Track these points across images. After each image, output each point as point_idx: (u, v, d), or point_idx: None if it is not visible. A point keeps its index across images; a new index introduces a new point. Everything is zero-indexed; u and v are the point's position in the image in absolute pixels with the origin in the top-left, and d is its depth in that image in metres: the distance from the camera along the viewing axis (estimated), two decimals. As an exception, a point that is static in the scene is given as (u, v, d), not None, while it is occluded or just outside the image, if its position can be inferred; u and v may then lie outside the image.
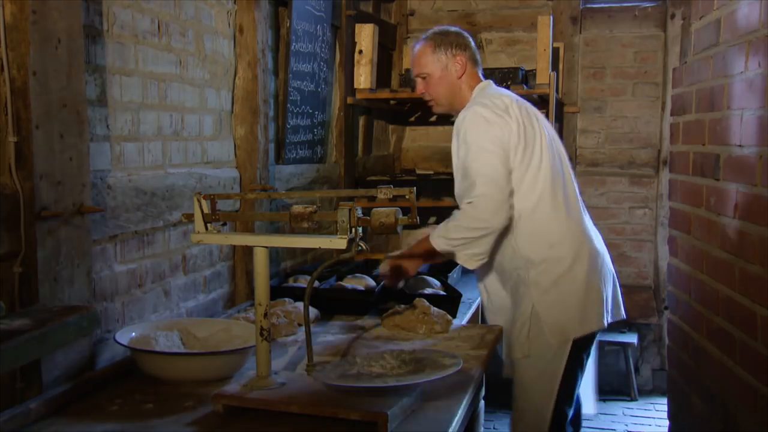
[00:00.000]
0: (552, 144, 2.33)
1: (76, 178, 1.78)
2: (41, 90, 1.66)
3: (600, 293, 2.28)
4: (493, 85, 2.43)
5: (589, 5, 4.73)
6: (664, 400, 3.23)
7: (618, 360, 4.67)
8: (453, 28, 2.44)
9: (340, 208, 1.58)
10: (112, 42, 2.00)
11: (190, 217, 1.76)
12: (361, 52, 3.69)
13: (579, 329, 2.24)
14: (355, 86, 3.71)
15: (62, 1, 1.72)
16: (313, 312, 2.38)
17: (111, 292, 2.02)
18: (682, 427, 2.85)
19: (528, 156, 2.24)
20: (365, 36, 3.69)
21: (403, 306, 2.37)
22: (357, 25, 3.73)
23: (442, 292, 2.68)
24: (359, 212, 1.57)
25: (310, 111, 3.33)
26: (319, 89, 3.41)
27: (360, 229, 1.58)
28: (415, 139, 4.88)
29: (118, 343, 1.84)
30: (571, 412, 2.34)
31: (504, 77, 3.92)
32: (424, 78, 2.39)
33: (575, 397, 2.36)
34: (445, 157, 2.17)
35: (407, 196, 1.58)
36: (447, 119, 4.24)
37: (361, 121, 4.10)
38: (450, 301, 2.51)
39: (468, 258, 2.25)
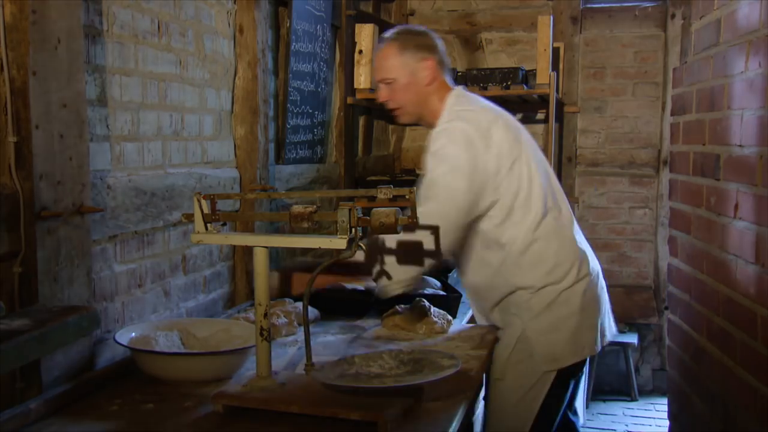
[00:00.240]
0: (537, 159, 2.14)
1: (75, 178, 1.78)
2: (41, 90, 1.66)
3: (594, 318, 2.10)
4: (467, 93, 2.20)
5: (589, 5, 4.73)
6: (665, 401, 3.23)
7: (618, 360, 4.67)
8: (420, 28, 2.22)
9: (340, 208, 1.58)
10: (112, 42, 2.00)
11: (190, 217, 1.75)
12: (361, 52, 3.69)
13: (571, 356, 2.05)
14: (355, 86, 3.71)
15: (62, 1, 1.72)
16: (312, 312, 2.38)
17: (111, 292, 2.01)
18: (683, 428, 2.85)
19: (515, 181, 2.03)
20: (365, 36, 3.69)
21: (403, 306, 2.37)
22: (357, 25, 3.73)
23: (442, 292, 2.68)
24: (359, 212, 1.57)
25: (310, 111, 3.33)
26: (319, 89, 3.41)
27: (360, 229, 1.58)
28: (415, 139, 4.88)
29: (118, 343, 1.84)
30: None
31: (504, 77, 3.93)
32: (388, 84, 2.13)
33: (555, 426, 2.15)
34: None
35: (407, 196, 1.58)
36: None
37: (361, 121, 4.10)
38: (450, 301, 2.51)
39: (391, 286, 2.04)
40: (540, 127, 4.78)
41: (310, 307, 2.14)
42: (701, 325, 2.54)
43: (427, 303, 2.33)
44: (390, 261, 2.01)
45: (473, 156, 1.98)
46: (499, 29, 4.81)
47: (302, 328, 1.74)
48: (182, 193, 2.27)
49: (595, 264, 2.18)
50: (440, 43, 2.18)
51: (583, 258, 2.12)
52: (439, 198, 1.98)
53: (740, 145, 2.17)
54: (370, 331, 2.32)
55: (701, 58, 2.60)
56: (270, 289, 2.03)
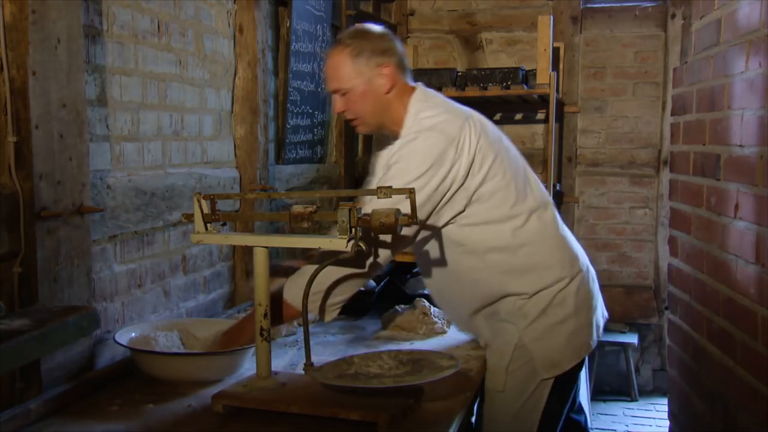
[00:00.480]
0: (512, 158, 1.99)
1: (75, 178, 1.78)
2: (41, 90, 1.66)
3: (590, 315, 2.00)
4: (429, 94, 2.00)
5: (589, 5, 4.73)
6: (665, 401, 3.22)
7: (618, 360, 4.67)
8: (374, 28, 1.98)
9: (340, 208, 1.57)
10: (111, 42, 2.00)
11: (189, 218, 1.75)
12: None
13: (571, 359, 1.94)
14: (356, 86, 3.70)
15: (62, 1, 1.72)
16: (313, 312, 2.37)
17: (111, 292, 2.01)
18: (683, 428, 2.84)
19: (491, 188, 1.89)
20: (365, 36, 3.69)
21: (403, 306, 2.37)
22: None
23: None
24: (359, 212, 1.57)
25: (310, 111, 3.33)
26: (319, 89, 3.40)
27: (360, 229, 1.58)
28: (416, 139, 4.87)
29: (118, 343, 1.84)
30: None
31: (504, 77, 3.93)
32: (343, 94, 1.92)
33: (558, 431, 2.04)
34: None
35: (407, 196, 1.58)
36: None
37: (362, 121, 4.10)
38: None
39: (328, 309, 1.88)
40: (540, 127, 4.78)
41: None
42: (701, 325, 2.54)
43: (427, 303, 2.33)
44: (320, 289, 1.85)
45: (438, 169, 1.81)
46: (499, 29, 4.81)
47: (302, 329, 1.74)
48: (182, 193, 2.27)
49: (584, 258, 2.06)
50: (398, 44, 1.98)
51: (572, 255, 2.01)
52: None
53: (740, 145, 2.16)
54: (369, 331, 2.32)
55: (701, 58, 2.60)
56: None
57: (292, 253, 3.16)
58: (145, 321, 2.12)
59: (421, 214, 1.80)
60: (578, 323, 1.96)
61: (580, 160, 4.77)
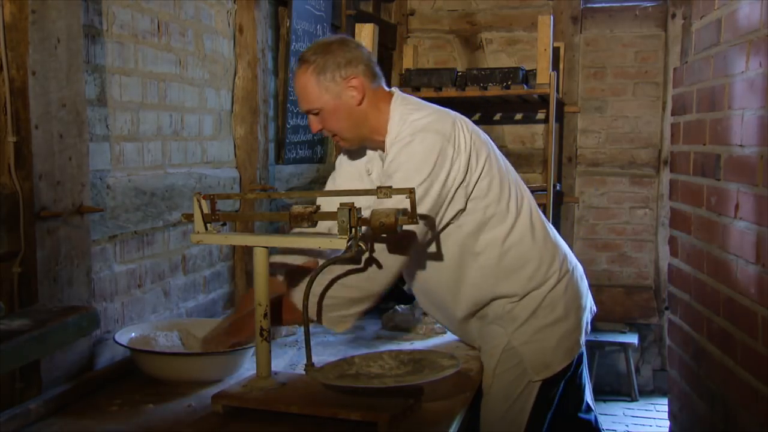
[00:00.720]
0: (498, 157, 1.96)
1: (75, 178, 1.78)
2: (40, 90, 1.66)
3: (579, 315, 1.97)
4: (408, 97, 1.97)
5: (589, 5, 4.73)
6: (665, 401, 3.22)
7: (618, 360, 4.67)
8: (335, 39, 1.92)
9: (340, 208, 1.57)
10: (111, 42, 1.99)
11: (189, 218, 1.75)
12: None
13: (561, 361, 1.92)
14: (356, 86, 3.70)
15: (62, 1, 1.72)
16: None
17: (110, 293, 2.01)
18: (683, 428, 2.84)
19: (485, 186, 1.86)
20: (365, 36, 3.69)
21: (403, 306, 2.37)
22: (357, 25, 3.73)
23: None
24: (359, 212, 1.57)
25: (310, 111, 3.32)
26: (320, 89, 3.40)
27: (360, 229, 1.58)
28: (416, 139, 4.87)
29: (118, 343, 1.84)
30: None
31: (504, 77, 3.93)
32: (316, 114, 1.88)
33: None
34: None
35: (407, 197, 1.58)
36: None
37: (362, 120, 4.10)
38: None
39: (337, 321, 1.78)
40: (540, 127, 4.78)
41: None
42: (702, 325, 2.54)
43: (427, 303, 2.33)
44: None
45: (441, 169, 1.78)
46: (500, 29, 4.81)
47: (302, 329, 1.74)
48: (182, 193, 2.27)
49: (571, 257, 2.04)
50: (363, 50, 1.92)
51: (561, 254, 1.98)
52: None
53: (741, 145, 2.16)
54: (369, 331, 2.32)
55: (702, 58, 2.60)
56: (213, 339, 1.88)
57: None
58: (145, 321, 2.12)
59: (432, 216, 1.79)
60: (568, 325, 1.94)
61: (580, 160, 4.77)
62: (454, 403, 1.68)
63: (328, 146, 3.65)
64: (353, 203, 1.57)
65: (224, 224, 1.76)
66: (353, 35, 3.71)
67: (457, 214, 1.86)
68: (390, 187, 1.58)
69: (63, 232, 1.74)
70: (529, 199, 1.98)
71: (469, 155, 1.83)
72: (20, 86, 1.63)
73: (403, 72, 4.24)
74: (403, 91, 2.01)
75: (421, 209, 1.75)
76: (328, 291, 1.76)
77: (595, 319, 2.17)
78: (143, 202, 2.09)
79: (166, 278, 2.28)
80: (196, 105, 2.44)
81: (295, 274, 1.97)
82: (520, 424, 1.91)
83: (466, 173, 1.83)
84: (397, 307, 2.38)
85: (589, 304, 2.05)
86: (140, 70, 2.12)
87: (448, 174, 1.79)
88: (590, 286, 2.12)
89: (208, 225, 1.72)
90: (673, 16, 4.53)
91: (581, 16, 4.68)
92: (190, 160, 2.40)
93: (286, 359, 2.02)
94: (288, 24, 3.01)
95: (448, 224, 1.87)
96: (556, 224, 4.20)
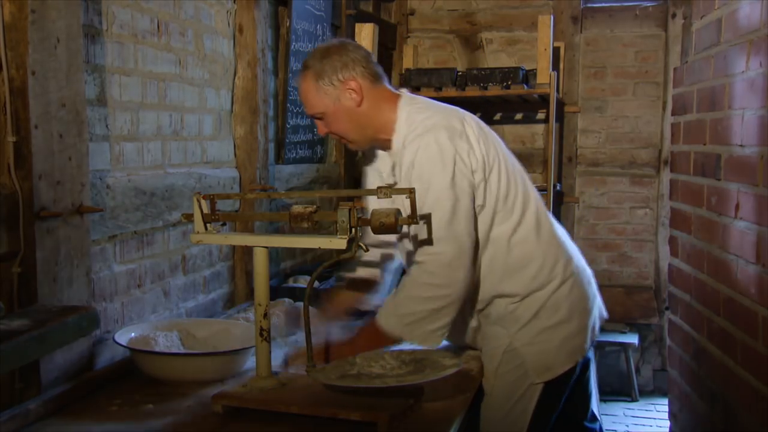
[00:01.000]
0: (506, 156, 1.95)
1: (75, 178, 1.78)
2: (40, 90, 1.66)
3: (584, 319, 1.96)
4: (417, 98, 1.98)
5: (589, 5, 4.72)
6: (665, 401, 3.22)
7: (619, 360, 4.66)
8: (334, 44, 1.96)
9: (340, 208, 1.57)
10: (111, 41, 1.99)
11: (189, 218, 1.75)
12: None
13: (564, 364, 1.91)
14: (356, 86, 3.70)
15: (61, 1, 1.71)
16: (313, 312, 2.37)
17: (110, 293, 2.01)
18: (683, 428, 2.84)
19: (494, 183, 1.87)
20: (365, 35, 3.69)
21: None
22: (357, 25, 3.73)
23: None
24: (359, 212, 1.57)
25: (310, 111, 3.32)
26: (320, 89, 3.40)
27: (360, 230, 1.58)
28: (416, 138, 4.87)
29: (118, 343, 1.83)
30: None
31: (504, 77, 3.92)
32: (320, 118, 1.93)
33: None
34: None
35: (407, 196, 1.58)
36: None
37: (362, 120, 4.09)
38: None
39: (426, 336, 1.79)
40: (540, 127, 4.78)
41: (310, 308, 2.14)
42: (702, 325, 2.53)
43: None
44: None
45: (459, 169, 1.80)
46: (500, 29, 4.81)
47: (302, 329, 1.74)
48: (182, 193, 2.27)
49: (579, 260, 2.02)
50: (362, 52, 1.93)
51: (566, 256, 1.97)
52: (439, 234, 1.79)
53: (741, 145, 2.16)
54: (370, 332, 2.31)
55: (702, 58, 2.60)
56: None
57: (292, 252, 3.16)
58: (145, 321, 2.12)
59: (470, 212, 1.81)
60: (571, 328, 1.93)
61: (580, 160, 4.76)
62: (454, 403, 1.68)
63: (328, 146, 3.65)
64: (353, 203, 1.57)
65: (224, 224, 1.76)
66: (353, 35, 3.71)
67: (478, 207, 1.87)
68: (390, 186, 1.59)
69: (63, 232, 1.74)
70: (536, 199, 1.98)
71: (478, 152, 1.84)
72: (20, 86, 1.63)
73: (403, 72, 4.24)
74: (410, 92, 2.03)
75: (455, 208, 1.78)
76: (406, 308, 1.79)
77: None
78: (143, 202, 2.09)
79: (165, 278, 2.28)
80: (196, 105, 2.44)
81: (361, 286, 2.04)
82: (521, 426, 1.90)
83: (485, 167, 1.85)
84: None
85: (596, 309, 2.03)
86: (140, 69, 2.12)
87: (468, 166, 1.82)
88: (592, 287, 2.10)
89: (208, 225, 1.72)
90: (674, 15, 4.53)
91: (581, 15, 4.68)
92: (189, 160, 2.40)
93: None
94: (288, 24, 3.01)
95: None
96: (556, 224, 4.19)
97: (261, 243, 1.66)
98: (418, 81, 4.06)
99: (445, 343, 2.15)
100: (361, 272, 2.16)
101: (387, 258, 2.16)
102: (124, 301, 2.08)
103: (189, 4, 2.36)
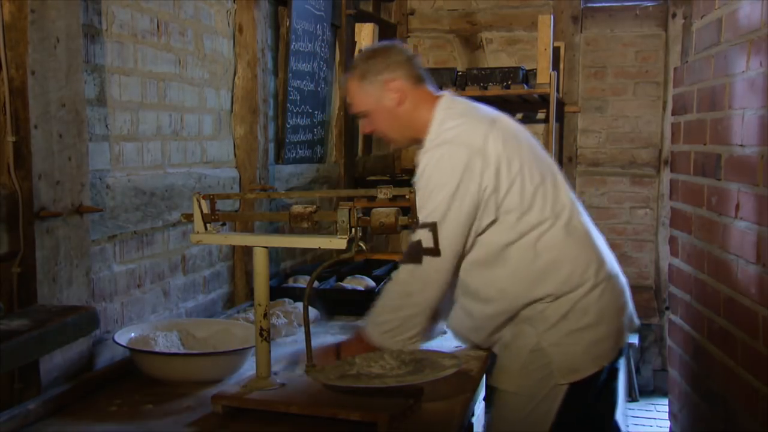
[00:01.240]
0: (539, 162, 1.98)
1: (75, 178, 1.77)
2: (40, 90, 1.65)
3: (612, 324, 1.96)
4: (458, 101, 2.03)
5: (590, 4, 4.72)
6: (665, 401, 3.22)
7: (619, 360, 4.66)
8: (380, 46, 2.05)
9: (340, 208, 1.57)
10: (111, 41, 1.99)
11: (189, 217, 1.75)
12: (361, 51, 3.68)
13: (590, 367, 1.91)
14: (356, 86, 3.70)
15: (61, 1, 1.71)
16: (312, 312, 2.38)
17: (110, 293, 2.01)
18: (683, 428, 2.84)
19: (517, 193, 1.88)
20: (365, 35, 3.69)
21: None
22: (357, 25, 3.72)
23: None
24: (359, 212, 1.57)
25: (310, 110, 3.32)
26: (319, 89, 3.40)
27: (360, 229, 1.58)
28: (416, 138, 4.87)
29: (117, 343, 1.83)
30: None
31: (504, 77, 3.92)
32: (364, 117, 2.02)
33: None
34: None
35: (407, 196, 1.58)
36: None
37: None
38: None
39: (403, 344, 1.86)
40: (540, 127, 4.78)
41: (310, 308, 2.14)
42: (702, 325, 2.53)
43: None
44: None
45: (465, 181, 1.84)
46: (500, 29, 4.81)
47: (302, 329, 1.74)
48: (182, 193, 2.26)
49: (612, 264, 2.03)
50: (406, 54, 2.01)
51: (601, 261, 1.98)
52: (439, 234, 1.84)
53: (741, 145, 2.16)
54: (370, 332, 2.31)
55: (702, 58, 2.60)
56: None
57: (292, 252, 3.16)
58: (145, 321, 2.12)
59: (462, 229, 1.85)
60: (599, 332, 1.93)
61: (580, 159, 4.76)
62: (454, 403, 1.67)
63: (328, 146, 3.65)
64: (353, 203, 1.57)
65: (224, 224, 1.76)
66: (353, 35, 3.71)
67: (489, 225, 1.88)
68: (390, 186, 1.59)
69: (62, 232, 1.74)
70: (570, 204, 1.99)
71: (499, 166, 1.86)
72: (19, 86, 1.62)
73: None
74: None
75: (447, 222, 1.83)
76: (382, 316, 1.89)
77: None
78: (143, 202, 2.09)
79: (165, 278, 2.28)
80: (196, 105, 2.43)
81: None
82: (543, 427, 1.90)
83: (497, 183, 1.86)
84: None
85: (626, 317, 2.03)
86: (140, 69, 2.12)
87: (479, 185, 1.84)
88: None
89: (208, 225, 1.72)
90: (674, 15, 4.53)
91: (581, 15, 4.67)
92: (189, 160, 2.40)
93: (287, 359, 2.01)
94: (288, 23, 3.01)
95: (482, 233, 1.89)
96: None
97: (261, 243, 1.66)
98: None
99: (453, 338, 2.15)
100: None
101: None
102: (124, 301, 2.08)
103: (189, 3, 2.36)
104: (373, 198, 1.64)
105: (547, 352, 1.89)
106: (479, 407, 2.34)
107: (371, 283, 2.74)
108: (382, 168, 4.41)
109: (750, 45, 2.11)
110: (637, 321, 2.09)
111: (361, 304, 2.52)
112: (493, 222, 1.89)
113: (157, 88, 2.21)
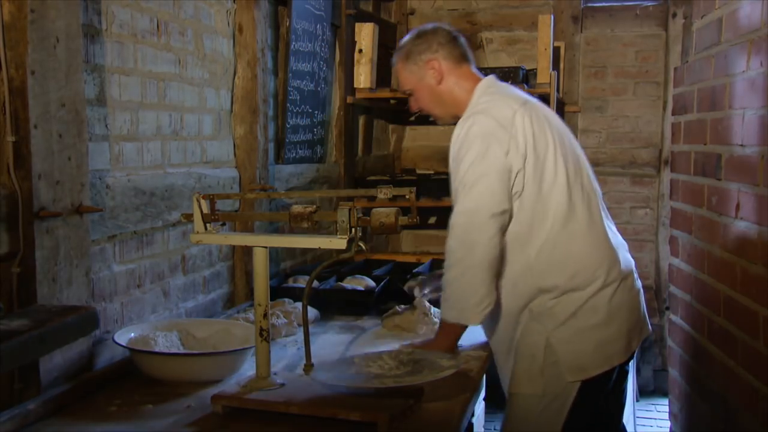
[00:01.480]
0: (566, 149, 2.02)
1: (74, 178, 1.77)
2: (40, 89, 1.65)
3: (623, 325, 1.96)
4: (497, 83, 2.12)
5: (590, 4, 4.72)
6: (666, 401, 3.22)
7: (619, 360, 4.66)
8: (427, 28, 2.14)
9: (340, 208, 1.57)
10: (111, 41, 1.99)
11: (189, 217, 1.75)
12: (361, 51, 3.68)
13: (599, 366, 1.92)
14: (355, 85, 3.70)
15: (61, 1, 1.71)
16: (313, 312, 2.37)
17: (110, 293, 2.01)
18: (684, 428, 2.84)
19: (539, 173, 1.93)
20: (365, 35, 3.69)
21: (403, 306, 2.36)
22: (357, 24, 3.72)
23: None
24: (359, 212, 1.57)
25: (310, 110, 3.32)
26: (319, 88, 3.40)
27: (360, 229, 1.58)
28: (416, 138, 4.87)
29: (117, 343, 1.83)
30: None
31: (504, 77, 3.91)
32: (410, 95, 2.15)
33: None
34: (446, 156, 2.06)
35: (407, 196, 1.58)
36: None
37: (361, 120, 4.10)
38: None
39: (470, 312, 1.89)
40: (540, 127, 4.77)
41: (309, 308, 2.14)
42: (702, 325, 2.53)
43: (427, 303, 2.33)
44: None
45: (493, 152, 1.89)
46: (500, 28, 4.80)
47: (302, 329, 1.74)
48: (181, 193, 2.26)
49: (626, 265, 2.04)
50: (449, 36, 2.10)
51: (613, 261, 1.98)
52: (461, 208, 1.90)
53: (742, 145, 2.16)
54: (369, 332, 2.31)
55: (702, 58, 2.60)
56: None
57: (292, 252, 3.16)
58: (145, 321, 2.12)
59: (495, 186, 1.88)
60: (610, 332, 1.93)
61: (580, 159, 4.76)
62: (454, 403, 1.67)
63: (328, 146, 3.65)
64: (353, 203, 1.57)
65: (224, 224, 1.76)
66: (353, 34, 3.71)
67: (514, 195, 1.92)
68: (390, 186, 1.59)
69: (62, 232, 1.74)
70: (590, 199, 2.03)
71: (524, 142, 1.92)
72: (19, 86, 1.62)
73: (404, 71, 4.23)
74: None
75: (480, 182, 1.88)
76: (444, 294, 1.94)
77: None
78: (143, 202, 2.09)
79: (165, 278, 2.28)
80: (196, 105, 2.43)
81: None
82: (556, 426, 1.90)
83: (524, 158, 1.92)
84: (397, 307, 2.37)
85: (640, 319, 2.03)
86: (140, 69, 2.12)
87: (506, 152, 1.90)
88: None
89: (208, 225, 1.72)
90: (674, 15, 4.53)
91: (582, 15, 4.67)
92: (189, 160, 2.39)
93: (286, 360, 2.01)
94: (288, 23, 3.01)
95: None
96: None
97: (261, 243, 1.66)
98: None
99: (464, 337, 2.15)
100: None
101: None
102: (124, 301, 2.07)
103: (189, 3, 2.36)
104: (373, 198, 1.65)
105: (556, 350, 1.90)
106: (479, 407, 2.34)
107: (371, 283, 2.74)
108: (382, 168, 4.41)
109: (750, 45, 2.11)
110: (650, 328, 2.09)
111: (361, 304, 2.53)
112: (518, 194, 1.93)
113: (157, 88, 2.21)
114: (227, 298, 2.66)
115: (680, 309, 2.83)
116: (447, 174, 2.03)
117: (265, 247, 1.66)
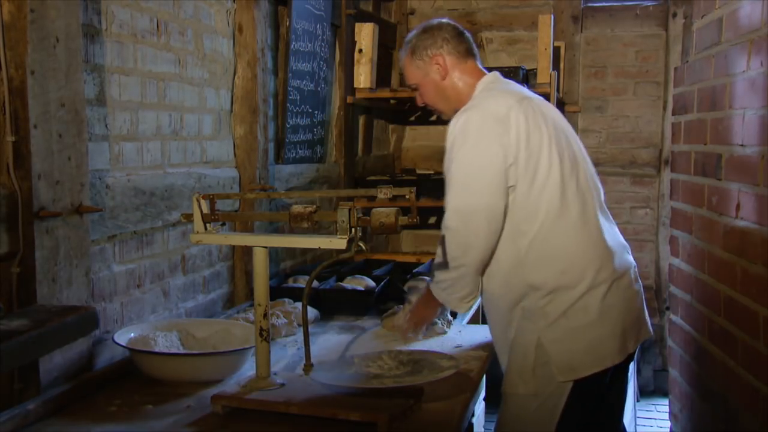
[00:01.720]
0: (562, 146, 1.98)
1: (74, 178, 1.77)
2: (39, 89, 1.65)
3: (616, 325, 1.93)
4: (500, 79, 2.12)
5: (590, 4, 4.72)
6: (666, 401, 3.22)
7: (619, 360, 4.65)
8: (433, 23, 2.15)
9: (340, 208, 1.57)
10: (110, 41, 1.99)
11: (189, 217, 1.75)
12: (361, 51, 3.68)
13: (590, 366, 1.89)
14: (355, 85, 3.70)
15: (61, 0, 1.71)
16: (312, 312, 2.37)
17: (110, 293, 2.01)
18: (684, 428, 2.84)
19: (532, 169, 1.90)
20: (365, 35, 3.69)
21: (402, 306, 2.36)
22: (357, 24, 3.72)
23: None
24: (359, 212, 1.56)
25: (310, 110, 3.32)
26: (319, 88, 3.40)
27: (360, 229, 1.58)
28: (416, 138, 4.87)
29: (117, 343, 1.83)
30: None
31: (504, 77, 3.91)
32: (416, 89, 2.16)
33: None
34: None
35: (407, 196, 1.57)
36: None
37: (361, 120, 4.10)
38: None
39: (458, 302, 1.98)
40: (540, 127, 4.77)
41: (309, 308, 2.14)
42: (702, 325, 2.53)
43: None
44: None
45: (483, 147, 1.89)
46: (500, 28, 4.80)
47: (302, 329, 1.74)
48: (181, 193, 2.26)
49: (622, 266, 2.00)
50: (454, 31, 2.12)
51: (605, 261, 1.94)
52: (452, 205, 1.91)
53: (742, 145, 2.16)
54: (369, 332, 2.31)
55: (703, 58, 2.60)
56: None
57: (292, 252, 3.15)
58: (145, 321, 2.11)
59: (490, 182, 1.89)
60: (602, 332, 1.91)
61: (580, 159, 4.76)
62: (454, 403, 1.67)
63: (328, 146, 3.65)
64: (353, 203, 1.57)
65: (224, 224, 1.76)
66: (353, 34, 3.70)
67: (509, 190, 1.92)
68: (390, 186, 1.59)
69: (62, 232, 1.73)
70: (585, 198, 1.98)
71: (518, 137, 1.91)
72: (19, 86, 1.62)
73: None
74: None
75: (473, 179, 1.89)
76: (439, 275, 1.97)
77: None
78: (142, 201, 2.09)
79: (165, 278, 2.28)
80: (196, 105, 2.43)
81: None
82: (549, 426, 1.89)
83: (516, 153, 1.91)
84: (396, 307, 2.37)
85: (635, 323, 2.00)
86: (139, 69, 2.12)
87: (499, 146, 1.90)
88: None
89: (208, 225, 1.71)
90: (674, 15, 4.52)
91: (582, 15, 4.67)
92: (189, 160, 2.39)
93: (286, 360, 2.01)
94: (288, 23, 3.01)
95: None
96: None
97: (261, 243, 1.66)
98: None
99: (452, 338, 2.15)
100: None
101: None
102: (124, 301, 2.07)
103: (188, 3, 2.36)
104: (373, 198, 1.65)
105: (547, 349, 1.89)
106: (479, 407, 2.34)
107: (371, 283, 2.74)
108: (382, 168, 4.40)
109: (750, 45, 2.11)
110: (650, 330, 2.06)
111: (360, 304, 2.53)
112: (512, 188, 1.92)
113: (156, 87, 2.21)
114: (227, 298, 2.66)
115: (680, 309, 2.83)
116: None
117: (265, 247, 1.66)
